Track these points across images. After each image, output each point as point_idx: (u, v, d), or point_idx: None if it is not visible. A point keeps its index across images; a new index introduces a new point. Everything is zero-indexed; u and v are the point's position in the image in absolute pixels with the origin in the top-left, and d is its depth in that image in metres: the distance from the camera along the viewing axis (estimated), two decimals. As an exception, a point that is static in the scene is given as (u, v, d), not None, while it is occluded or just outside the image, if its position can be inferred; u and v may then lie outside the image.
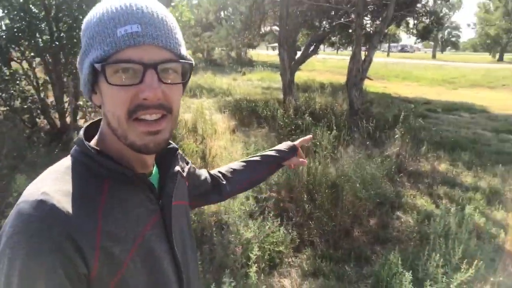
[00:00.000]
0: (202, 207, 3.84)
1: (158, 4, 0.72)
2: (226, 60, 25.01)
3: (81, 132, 0.76)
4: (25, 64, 5.73)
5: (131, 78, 0.66)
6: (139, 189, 0.75)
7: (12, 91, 5.28)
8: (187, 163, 1.00)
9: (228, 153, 5.43)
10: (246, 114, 8.46)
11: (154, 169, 0.85)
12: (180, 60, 0.71)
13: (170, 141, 0.87)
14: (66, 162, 0.73)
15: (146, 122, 0.69)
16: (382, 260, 3.13)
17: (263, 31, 14.75)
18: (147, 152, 0.71)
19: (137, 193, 0.75)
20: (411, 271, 2.62)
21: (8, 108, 5.35)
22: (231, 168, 1.23)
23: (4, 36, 5.22)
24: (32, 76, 5.76)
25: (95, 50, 0.67)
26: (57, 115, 5.99)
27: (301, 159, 1.33)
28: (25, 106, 5.53)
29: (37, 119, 5.86)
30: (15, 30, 5.20)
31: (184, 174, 0.94)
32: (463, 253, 3.00)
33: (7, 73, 5.30)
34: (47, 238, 0.60)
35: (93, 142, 0.77)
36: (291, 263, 3.36)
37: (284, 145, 1.32)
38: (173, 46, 0.70)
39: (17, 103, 5.46)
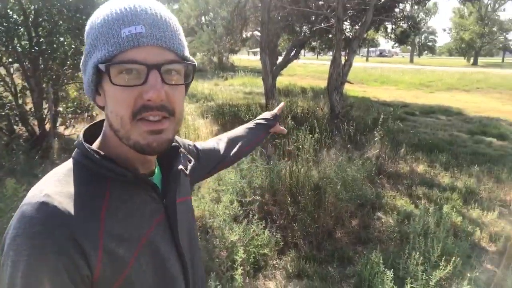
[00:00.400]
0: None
1: (162, 6, 0.72)
2: (208, 65, 24.97)
3: (81, 134, 0.76)
4: (2, 70, 5.63)
5: (134, 79, 0.67)
6: (142, 189, 0.75)
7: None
8: (190, 161, 0.97)
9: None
10: (229, 119, 8.49)
11: (157, 169, 0.85)
12: (184, 62, 0.72)
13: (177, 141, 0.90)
14: (68, 164, 0.73)
15: (149, 121, 0.69)
16: (364, 260, 3.20)
17: (244, 36, 14.84)
18: (151, 152, 0.71)
19: (140, 193, 0.75)
20: (392, 269, 2.71)
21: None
22: (236, 134, 1.31)
23: (-20, 42, 5.12)
24: (10, 82, 5.66)
25: (99, 50, 0.68)
26: (36, 122, 5.88)
27: (280, 127, 1.48)
28: (3, 113, 5.41)
29: (15, 126, 5.75)
30: (-8, 35, 5.10)
31: (187, 171, 0.91)
32: (441, 250, 3.10)
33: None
34: (49, 240, 0.60)
35: (95, 144, 0.77)
36: (276, 265, 3.40)
37: (268, 114, 1.44)
38: (176, 47, 0.70)
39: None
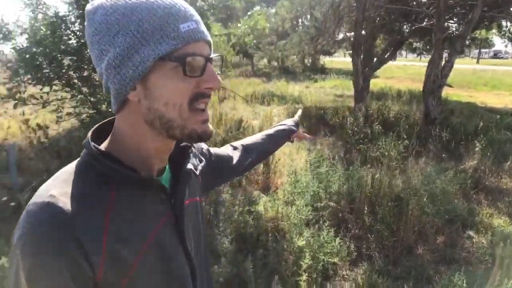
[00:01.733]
0: (260, 212, 3.90)
1: None
2: (299, 67, 24.99)
3: (89, 133, 0.77)
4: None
5: (196, 70, 0.71)
6: (148, 189, 0.75)
7: (99, 95, 5.82)
8: (201, 161, 1.00)
9: (291, 159, 5.44)
10: (314, 122, 8.39)
11: (167, 167, 0.85)
12: (218, 55, 0.80)
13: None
14: (76, 163, 0.74)
15: (202, 111, 0.74)
16: (445, 281, 2.90)
17: (339, 37, 14.51)
18: (205, 139, 0.76)
19: (147, 193, 0.75)
20: (475, 296, 2.40)
21: (95, 111, 5.91)
22: (252, 141, 1.31)
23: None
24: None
25: (155, 44, 0.68)
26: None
27: (304, 134, 1.47)
28: (110, 110, 6.07)
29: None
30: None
31: (197, 172, 0.93)
32: (542, 283, 2.67)
33: (97, 79, 5.85)
34: (53, 241, 0.61)
35: (104, 143, 0.78)
36: (346, 276, 3.26)
37: (290, 121, 1.44)
38: (211, 40, 0.77)
39: (103, 106, 6.01)
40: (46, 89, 5.13)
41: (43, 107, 5.31)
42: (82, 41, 5.34)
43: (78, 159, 0.75)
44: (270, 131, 1.37)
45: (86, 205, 0.66)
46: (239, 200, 4.04)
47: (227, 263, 3.11)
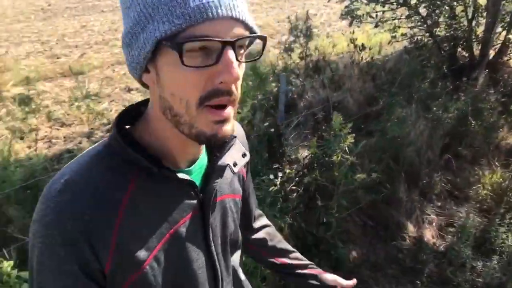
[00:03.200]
0: None
1: None
2: None
3: (117, 116, 0.70)
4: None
5: (206, 57, 0.58)
6: (171, 182, 0.68)
7: (436, 18, 5.12)
8: (244, 155, 0.86)
9: None
10: None
11: (203, 157, 0.77)
12: (256, 35, 0.63)
13: None
14: (100, 146, 0.69)
15: (215, 109, 0.61)
16: None
17: None
18: (214, 144, 0.65)
19: (170, 186, 0.68)
20: None
21: (428, 34, 5.30)
22: (280, 241, 1.11)
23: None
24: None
25: (158, 22, 0.57)
26: (479, 47, 5.32)
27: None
28: (448, 34, 5.27)
29: (458, 49, 5.48)
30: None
31: (236, 169, 0.82)
32: None
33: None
34: (59, 231, 0.59)
35: (133, 128, 0.71)
36: None
37: (330, 277, 1.08)
38: (246, 17, 0.59)
39: (438, 30, 5.29)
40: (379, 8, 5.02)
41: (376, 26, 5.27)
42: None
43: (105, 139, 0.69)
44: (304, 259, 1.10)
45: (99, 195, 0.62)
46: None
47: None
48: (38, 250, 0.60)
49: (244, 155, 0.86)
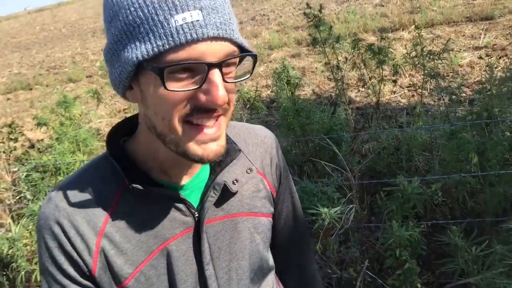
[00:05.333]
0: None
1: None
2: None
3: (112, 127, 0.71)
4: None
5: (191, 77, 0.55)
6: (161, 198, 0.67)
7: None
8: (249, 171, 0.76)
9: None
10: None
11: (202, 172, 0.72)
12: (246, 54, 0.60)
13: (231, 140, 0.74)
14: (99, 157, 0.72)
15: (203, 127, 0.59)
16: None
17: None
18: (206, 162, 0.61)
19: (160, 202, 0.67)
20: None
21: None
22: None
23: None
24: None
25: (140, 42, 0.53)
26: None
27: None
28: None
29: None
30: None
31: (233, 189, 0.72)
32: None
33: None
34: (50, 235, 0.63)
35: (128, 141, 0.71)
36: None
37: None
38: (234, 34, 0.56)
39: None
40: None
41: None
42: None
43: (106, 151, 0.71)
44: None
45: (87, 205, 0.65)
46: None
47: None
48: (38, 247, 0.65)
49: (249, 171, 0.75)
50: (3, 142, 3.48)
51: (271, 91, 4.19)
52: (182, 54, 0.52)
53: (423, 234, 1.88)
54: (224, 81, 0.56)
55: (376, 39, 3.58)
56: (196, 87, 0.55)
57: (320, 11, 3.01)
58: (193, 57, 0.53)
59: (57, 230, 0.62)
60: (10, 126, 3.46)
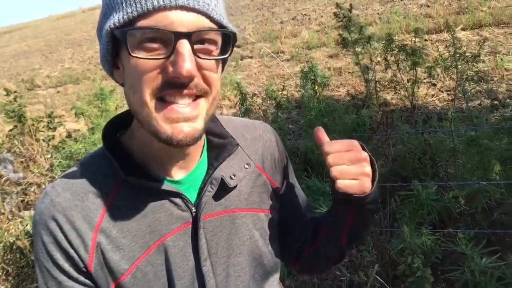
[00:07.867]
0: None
1: None
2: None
3: (108, 121, 0.70)
4: None
5: (159, 49, 0.55)
6: (157, 192, 0.65)
7: None
8: (247, 166, 0.74)
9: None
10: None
11: (200, 166, 0.70)
12: (221, 29, 0.58)
13: (229, 134, 0.73)
14: (99, 149, 0.70)
15: (175, 105, 0.57)
16: None
17: None
18: (175, 145, 0.58)
19: (156, 195, 0.65)
20: None
21: None
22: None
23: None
24: None
25: (116, 12, 0.55)
26: None
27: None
28: None
29: None
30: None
31: (233, 182, 0.70)
32: None
33: None
34: (45, 231, 0.62)
35: (125, 134, 0.71)
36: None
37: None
38: (212, 10, 0.55)
39: None
40: None
41: None
42: None
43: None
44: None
45: (83, 200, 0.63)
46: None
47: None
48: (34, 242, 0.63)
49: (247, 166, 0.73)
50: (43, 131, 3.71)
51: (297, 91, 4.17)
52: (150, 22, 0.53)
53: (439, 242, 1.81)
54: (198, 56, 0.55)
55: (415, 41, 3.48)
56: (163, 57, 0.54)
57: (350, 11, 2.96)
58: (160, 25, 0.53)
59: (53, 225, 0.61)
60: (49, 116, 3.71)
